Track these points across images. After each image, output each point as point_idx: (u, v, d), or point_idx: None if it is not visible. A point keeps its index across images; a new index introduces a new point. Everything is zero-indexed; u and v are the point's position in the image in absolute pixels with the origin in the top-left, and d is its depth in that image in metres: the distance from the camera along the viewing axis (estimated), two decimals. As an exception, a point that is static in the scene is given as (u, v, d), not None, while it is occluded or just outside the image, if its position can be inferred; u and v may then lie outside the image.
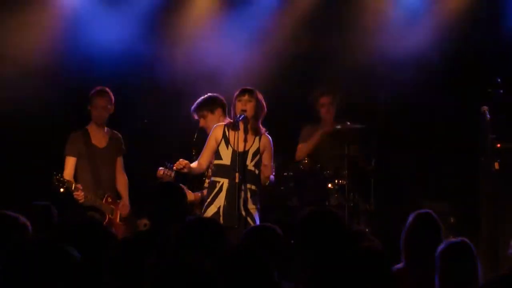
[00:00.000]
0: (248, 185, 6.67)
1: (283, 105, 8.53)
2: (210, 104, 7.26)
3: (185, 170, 6.65)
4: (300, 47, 8.84)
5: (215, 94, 7.36)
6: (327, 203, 8.00)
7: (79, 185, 7.21)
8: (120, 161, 7.68)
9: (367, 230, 7.72)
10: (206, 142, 6.89)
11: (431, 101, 8.64)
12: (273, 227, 4.59)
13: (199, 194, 7.23)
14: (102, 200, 7.43)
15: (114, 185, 7.61)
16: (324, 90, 8.39)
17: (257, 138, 6.79)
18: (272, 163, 6.86)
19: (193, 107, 7.37)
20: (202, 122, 7.34)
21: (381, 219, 8.14)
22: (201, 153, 6.89)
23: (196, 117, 7.35)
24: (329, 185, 8.08)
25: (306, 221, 4.16)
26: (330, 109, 8.35)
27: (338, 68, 8.70)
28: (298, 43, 8.86)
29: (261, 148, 6.78)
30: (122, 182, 7.65)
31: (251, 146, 6.75)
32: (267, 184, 6.77)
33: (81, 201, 7.19)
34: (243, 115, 6.67)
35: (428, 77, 8.63)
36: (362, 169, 8.20)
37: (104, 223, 7.15)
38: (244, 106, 6.71)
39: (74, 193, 7.15)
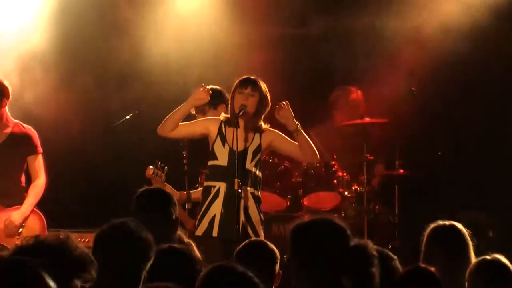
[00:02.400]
0: (250, 190, 6.02)
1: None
2: (214, 98, 6.60)
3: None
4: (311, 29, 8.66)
5: (219, 87, 6.79)
6: (342, 214, 7.59)
7: None
8: (31, 162, 7.05)
9: (390, 246, 7.31)
10: (197, 121, 6.36)
11: (467, 96, 8.35)
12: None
13: (185, 193, 6.69)
14: None
15: (9, 189, 6.93)
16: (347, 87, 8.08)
17: (257, 134, 6.17)
18: None
19: None
20: (199, 118, 6.71)
21: (406, 233, 7.64)
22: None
23: (193, 111, 6.70)
24: (346, 193, 7.64)
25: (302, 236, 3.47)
26: (358, 108, 8.03)
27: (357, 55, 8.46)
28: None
29: (264, 144, 6.13)
30: (31, 186, 7.03)
31: (250, 143, 6.13)
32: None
33: None
34: (243, 111, 6.03)
35: (464, 72, 8.34)
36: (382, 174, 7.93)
37: None
38: (245, 100, 6.07)
39: None
